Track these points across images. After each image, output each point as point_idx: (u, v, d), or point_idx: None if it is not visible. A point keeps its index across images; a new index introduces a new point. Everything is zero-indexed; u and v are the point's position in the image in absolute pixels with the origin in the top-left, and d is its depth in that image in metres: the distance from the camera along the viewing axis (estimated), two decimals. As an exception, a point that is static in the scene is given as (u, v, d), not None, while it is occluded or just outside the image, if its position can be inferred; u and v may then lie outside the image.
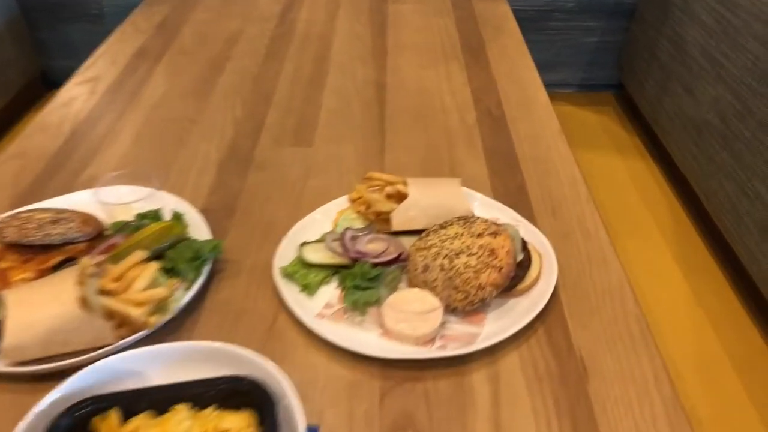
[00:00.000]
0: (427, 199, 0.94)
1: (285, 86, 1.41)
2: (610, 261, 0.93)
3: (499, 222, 0.92)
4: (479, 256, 0.82)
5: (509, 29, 1.69)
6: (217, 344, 0.72)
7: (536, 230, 0.94)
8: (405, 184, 0.96)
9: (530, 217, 1.00)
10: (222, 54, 1.55)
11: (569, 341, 0.81)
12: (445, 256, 0.84)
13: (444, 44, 1.61)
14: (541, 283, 0.87)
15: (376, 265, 0.86)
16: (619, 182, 2.39)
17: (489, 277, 0.81)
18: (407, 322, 0.79)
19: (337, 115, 1.30)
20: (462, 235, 0.86)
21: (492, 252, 0.83)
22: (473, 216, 0.91)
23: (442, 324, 0.81)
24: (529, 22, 2.65)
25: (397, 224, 0.92)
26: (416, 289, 0.83)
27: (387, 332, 0.80)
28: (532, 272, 0.87)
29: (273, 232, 0.95)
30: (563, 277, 0.89)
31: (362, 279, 0.83)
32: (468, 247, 0.84)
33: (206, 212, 0.99)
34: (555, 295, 0.86)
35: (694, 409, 1.60)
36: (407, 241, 0.90)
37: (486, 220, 0.88)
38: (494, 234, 0.85)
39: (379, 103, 1.34)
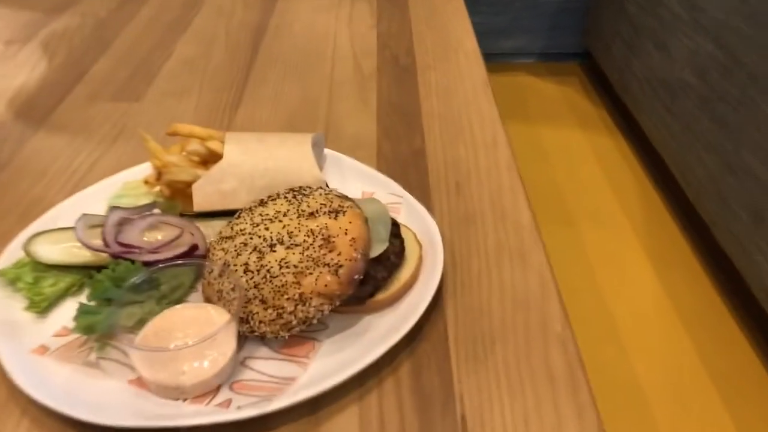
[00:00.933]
0: (252, 163, 0.62)
1: (134, 32, 1.08)
2: (531, 255, 0.61)
3: (365, 197, 0.60)
4: (305, 249, 0.50)
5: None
6: None
7: (422, 210, 0.62)
8: (223, 141, 0.63)
9: (423, 193, 0.69)
10: (70, -4, 1.22)
11: (449, 388, 0.49)
12: (255, 248, 0.52)
13: (356, -19, 1.28)
14: (415, 291, 0.55)
15: (149, 264, 0.54)
16: (583, 162, 2.08)
17: (318, 282, 0.49)
18: (172, 363, 0.47)
19: (188, 64, 0.98)
20: (286, 214, 0.54)
21: (327, 241, 0.51)
22: (316, 187, 0.58)
23: (240, 362, 0.49)
24: (481, -20, 2.34)
25: (200, 202, 0.60)
26: (198, 305, 0.51)
27: (139, 379, 0.48)
28: (404, 273, 0.55)
29: (31, 217, 0.63)
30: (454, 280, 0.58)
31: (114, 288, 0.51)
32: (290, 234, 0.52)
33: (-53, 190, 0.67)
34: (436, 309, 0.55)
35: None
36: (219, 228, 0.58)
37: (329, 192, 0.56)
38: (335, 213, 0.53)
39: (252, 50, 1.02)
